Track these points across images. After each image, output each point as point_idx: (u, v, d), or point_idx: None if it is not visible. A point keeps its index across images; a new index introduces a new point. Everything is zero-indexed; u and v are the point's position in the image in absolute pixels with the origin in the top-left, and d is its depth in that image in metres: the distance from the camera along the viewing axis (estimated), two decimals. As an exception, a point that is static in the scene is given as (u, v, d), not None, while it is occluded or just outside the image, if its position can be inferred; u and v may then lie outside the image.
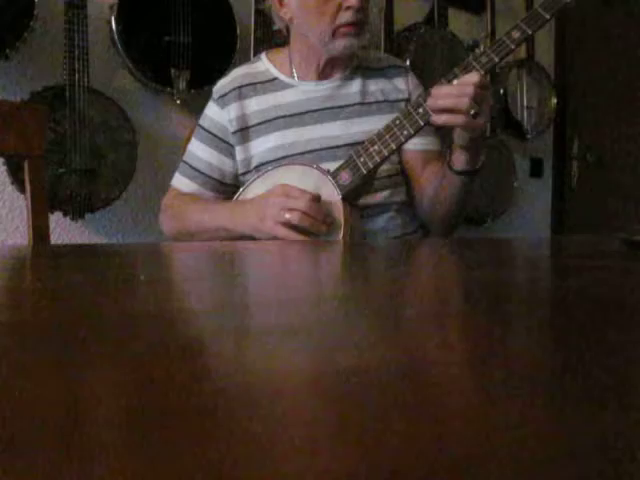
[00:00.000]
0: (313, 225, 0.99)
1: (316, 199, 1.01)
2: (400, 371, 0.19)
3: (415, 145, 1.15)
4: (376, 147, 1.04)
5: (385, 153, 1.04)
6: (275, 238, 1.03)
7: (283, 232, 1.00)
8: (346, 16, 1.08)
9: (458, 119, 0.95)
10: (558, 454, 0.13)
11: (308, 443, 0.13)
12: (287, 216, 0.99)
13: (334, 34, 1.10)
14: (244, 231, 1.07)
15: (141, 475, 0.12)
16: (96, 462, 0.12)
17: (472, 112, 0.94)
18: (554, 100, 2.66)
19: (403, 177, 1.21)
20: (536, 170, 2.86)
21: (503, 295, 0.39)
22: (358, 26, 1.10)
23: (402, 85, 1.21)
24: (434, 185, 1.14)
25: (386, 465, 0.12)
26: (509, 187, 2.58)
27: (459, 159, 1.04)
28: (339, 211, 1.04)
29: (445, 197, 1.11)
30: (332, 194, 1.04)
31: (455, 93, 0.95)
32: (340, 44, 1.11)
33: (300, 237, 1.00)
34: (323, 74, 1.18)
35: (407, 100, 1.20)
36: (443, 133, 1.21)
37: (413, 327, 0.27)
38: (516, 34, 1.01)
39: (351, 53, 1.15)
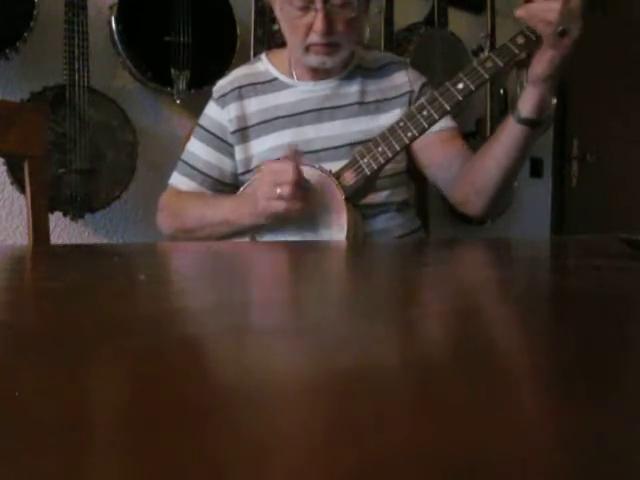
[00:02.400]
0: (305, 193, 0.99)
1: (297, 164, 0.99)
2: (400, 371, 0.19)
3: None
4: (380, 148, 1.04)
5: (389, 155, 1.04)
6: (280, 229, 1.04)
7: (279, 205, 0.99)
8: (314, 38, 1.08)
9: (548, 29, 0.93)
10: (558, 454, 0.13)
11: (308, 443, 0.13)
12: (278, 190, 0.99)
13: (307, 49, 1.10)
14: (246, 222, 1.07)
15: (141, 475, 0.12)
16: (96, 462, 0.12)
17: (560, 28, 0.91)
18: (554, 100, 2.66)
19: (408, 176, 1.20)
20: (536, 170, 2.86)
21: (503, 295, 0.39)
22: (328, 47, 1.09)
23: (403, 78, 1.21)
24: (476, 156, 1.09)
25: (386, 465, 0.12)
26: (509, 188, 2.58)
27: (528, 100, 0.99)
28: (343, 212, 1.03)
29: (497, 159, 1.04)
30: (335, 195, 1.04)
31: (544, 7, 0.93)
32: (313, 60, 1.11)
33: (293, 206, 0.99)
34: (319, 75, 1.18)
35: (410, 92, 1.19)
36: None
37: (414, 327, 0.27)
38: (521, 39, 1.00)
39: (328, 68, 1.14)
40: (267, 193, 1.00)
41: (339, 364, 0.20)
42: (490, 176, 1.07)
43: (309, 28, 1.07)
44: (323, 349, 0.22)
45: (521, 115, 1.00)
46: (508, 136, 1.03)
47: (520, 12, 0.97)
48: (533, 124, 1.01)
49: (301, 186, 0.98)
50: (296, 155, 1.00)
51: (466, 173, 1.11)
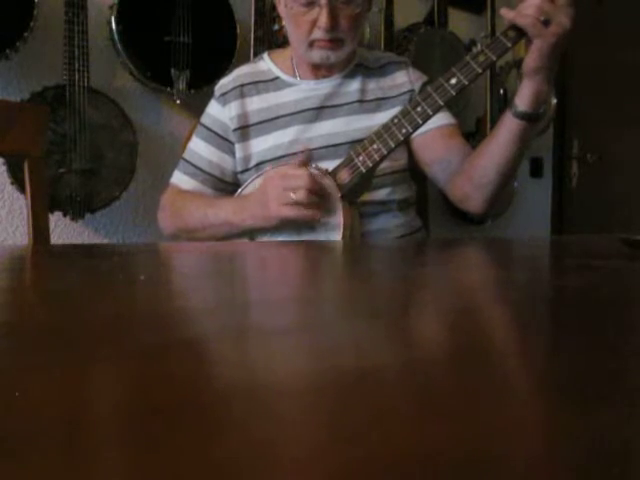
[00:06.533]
0: (319, 200, 1.00)
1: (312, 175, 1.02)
2: (400, 371, 0.19)
3: (429, 125, 1.12)
4: (375, 146, 1.04)
5: (384, 152, 1.04)
6: (281, 229, 1.04)
7: (290, 211, 1.01)
8: (318, 34, 1.09)
9: (526, 20, 0.95)
10: (557, 452, 0.13)
11: (308, 442, 0.13)
12: (293, 196, 1.00)
13: (311, 45, 1.11)
14: (250, 224, 1.07)
15: (143, 475, 0.12)
16: (96, 462, 0.12)
17: (542, 18, 0.94)
18: (554, 100, 2.66)
19: (408, 174, 1.20)
20: (536, 170, 2.86)
21: (503, 295, 0.39)
22: (332, 42, 1.11)
23: (403, 78, 1.21)
24: (475, 152, 1.10)
25: (387, 464, 0.12)
26: (509, 187, 2.58)
27: (523, 94, 1.01)
28: (338, 210, 1.04)
29: (495, 154, 1.05)
30: (331, 194, 1.04)
31: (526, 2, 0.96)
32: (316, 55, 1.13)
33: (308, 212, 1.00)
34: (320, 73, 1.18)
35: (411, 91, 1.19)
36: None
37: (413, 327, 0.27)
38: (512, 33, 1.01)
39: (332, 63, 1.15)
40: (280, 198, 1.01)
41: (340, 363, 0.20)
42: (489, 172, 1.08)
43: (313, 24, 1.08)
44: (324, 348, 0.22)
45: (517, 109, 1.01)
46: (506, 131, 1.03)
47: (504, 10, 1.00)
48: (530, 118, 1.01)
49: (316, 192, 1.00)
50: (307, 159, 1.01)
51: (465, 169, 1.12)
